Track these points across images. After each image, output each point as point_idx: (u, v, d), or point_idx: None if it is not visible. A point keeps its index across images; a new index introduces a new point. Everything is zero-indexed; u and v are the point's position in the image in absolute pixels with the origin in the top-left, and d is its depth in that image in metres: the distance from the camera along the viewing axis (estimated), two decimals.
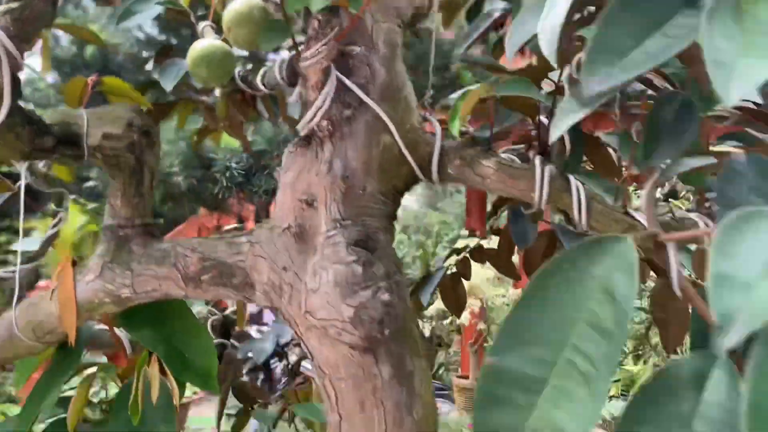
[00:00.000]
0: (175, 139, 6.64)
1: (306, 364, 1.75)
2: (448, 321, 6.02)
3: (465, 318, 5.36)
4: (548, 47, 0.48)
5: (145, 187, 0.82)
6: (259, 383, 1.50)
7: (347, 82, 0.76)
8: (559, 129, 0.50)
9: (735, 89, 0.32)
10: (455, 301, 1.51)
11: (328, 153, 0.79)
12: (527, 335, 0.47)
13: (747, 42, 0.36)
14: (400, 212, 0.85)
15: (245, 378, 1.49)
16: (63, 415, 0.86)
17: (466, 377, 6.64)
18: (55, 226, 0.94)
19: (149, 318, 0.85)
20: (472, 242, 1.52)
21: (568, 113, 0.48)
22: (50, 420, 0.87)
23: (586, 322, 0.46)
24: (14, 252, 0.90)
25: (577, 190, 0.71)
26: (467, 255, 1.51)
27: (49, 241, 0.94)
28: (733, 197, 0.48)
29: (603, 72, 0.39)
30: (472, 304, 5.03)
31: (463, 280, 1.50)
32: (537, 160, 0.74)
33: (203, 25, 1.01)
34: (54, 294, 0.82)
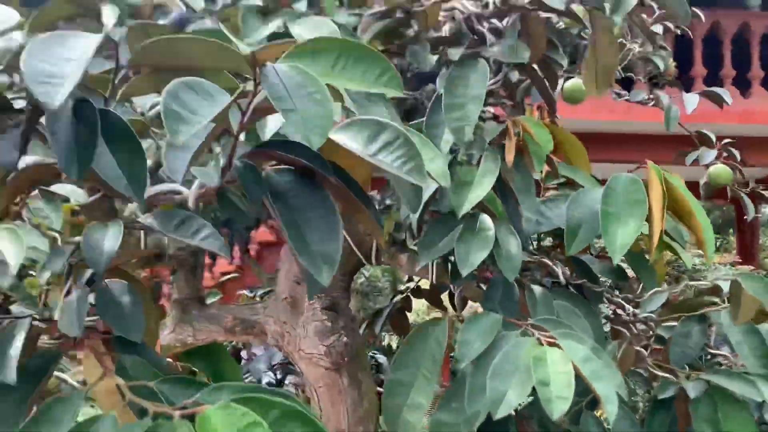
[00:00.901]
0: None
1: (289, 379, 2.33)
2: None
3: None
4: None
5: (198, 274, 1.36)
6: None
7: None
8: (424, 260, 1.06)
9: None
10: (401, 327, 2.08)
11: None
12: (405, 362, 1.03)
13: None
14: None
15: None
16: None
17: None
18: None
19: (201, 353, 1.38)
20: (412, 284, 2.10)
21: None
22: None
23: (429, 355, 1.03)
24: None
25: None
26: (409, 294, 2.08)
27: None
28: None
29: (426, 253, 0.95)
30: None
31: (406, 313, 2.08)
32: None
33: None
34: None
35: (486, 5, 0.96)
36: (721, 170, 1.67)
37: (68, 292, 0.67)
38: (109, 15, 0.79)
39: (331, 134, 0.53)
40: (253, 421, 0.49)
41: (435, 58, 1.19)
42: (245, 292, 2.60)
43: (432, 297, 2.03)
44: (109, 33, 0.71)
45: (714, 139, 1.76)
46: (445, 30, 1.16)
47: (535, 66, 1.09)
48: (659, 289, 1.39)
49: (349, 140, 0.56)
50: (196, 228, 0.61)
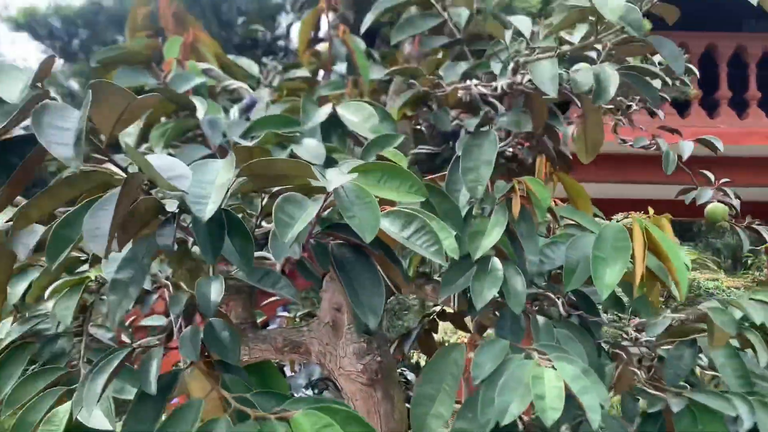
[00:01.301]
0: None
1: (326, 394, 2.57)
2: None
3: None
4: None
5: (253, 301, 1.59)
6: None
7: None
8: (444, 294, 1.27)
9: None
10: (428, 347, 2.29)
11: None
12: (428, 379, 1.25)
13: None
14: None
15: None
16: None
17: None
18: None
19: (253, 369, 1.61)
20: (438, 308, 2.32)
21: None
22: None
23: (450, 373, 1.24)
24: None
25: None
26: (435, 317, 2.30)
27: None
28: None
29: (447, 289, 1.16)
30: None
31: (433, 334, 2.30)
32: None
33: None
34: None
35: (495, 89, 1.18)
36: (717, 208, 1.86)
37: (181, 329, 0.90)
38: (200, 109, 1.03)
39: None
40: (329, 422, 0.71)
41: (454, 120, 1.42)
42: (284, 313, 2.85)
43: (456, 320, 2.25)
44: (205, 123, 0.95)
45: (713, 178, 1.95)
46: (465, 98, 1.39)
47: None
48: (665, 315, 1.58)
49: (390, 225, 0.79)
50: (274, 280, 0.84)
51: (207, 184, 0.74)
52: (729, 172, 2.14)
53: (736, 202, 1.86)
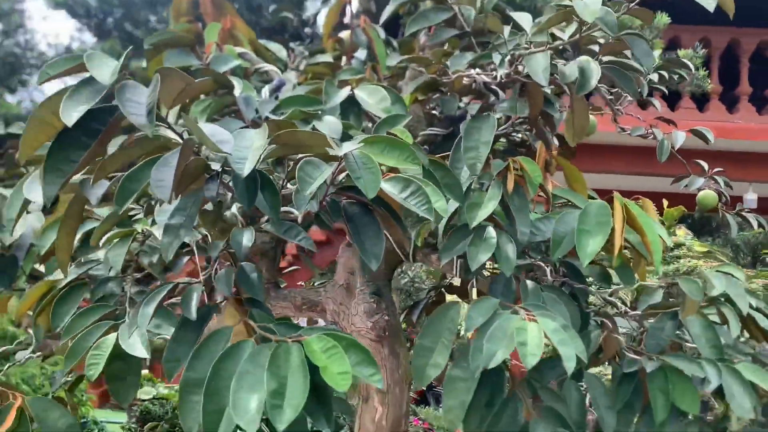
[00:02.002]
0: None
1: None
2: None
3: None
4: None
5: (277, 262, 1.77)
6: None
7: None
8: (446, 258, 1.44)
9: None
10: None
11: None
12: (429, 332, 1.42)
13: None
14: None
15: None
16: None
17: None
18: None
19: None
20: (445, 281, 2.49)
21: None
22: None
23: (447, 328, 1.41)
24: None
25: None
26: (442, 289, 2.47)
27: None
28: None
29: (446, 254, 1.32)
30: None
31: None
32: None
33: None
34: None
35: (495, 77, 1.33)
36: (707, 195, 1.99)
37: (216, 271, 1.08)
38: (237, 88, 1.19)
39: (381, 184, 0.94)
40: (334, 345, 0.88)
41: (460, 104, 1.57)
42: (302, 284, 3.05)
43: (462, 291, 2.41)
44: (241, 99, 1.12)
45: (706, 167, 2.08)
46: (473, 85, 1.54)
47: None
48: (648, 285, 1.73)
49: (391, 187, 0.96)
50: (296, 233, 1.01)
51: (245, 147, 0.91)
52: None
53: (726, 191, 1.99)
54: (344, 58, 1.85)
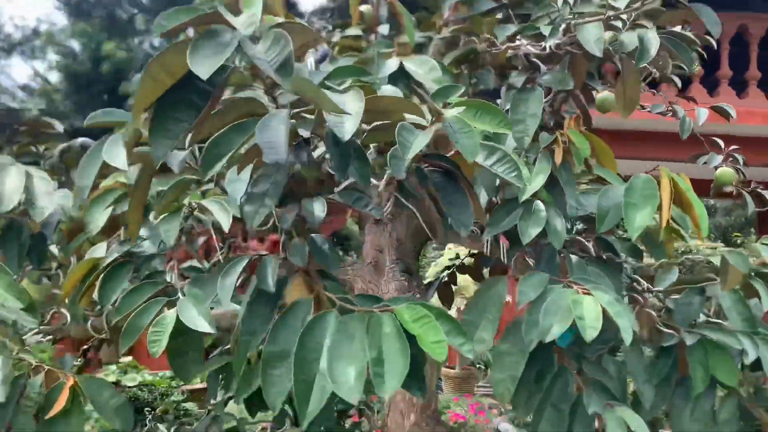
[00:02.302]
0: None
1: None
2: None
3: (453, 314, 6.29)
4: None
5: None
6: None
7: (401, 199, 1.68)
8: (489, 234, 1.42)
9: None
10: (446, 297, 2.45)
11: (389, 227, 1.71)
12: (473, 308, 1.40)
13: None
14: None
15: None
16: None
17: (453, 368, 7.60)
18: None
19: None
20: (458, 261, 2.47)
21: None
22: None
23: (492, 303, 1.40)
24: None
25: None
26: (455, 270, 2.45)
27: None
28: None
29: (494, 228, 1.31)
30: (460, 303, 5.99)
31: (452, 285, 2.45)
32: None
33: None
34: None
35: (544, 48, 1.31)
36: (725, 172, 2.01)
37: (288, 242, 1.05)
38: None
39: None
40: (426, 314, 0.86)
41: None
42: None
43: (475, 272, 2.40)
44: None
45: (722, 144, 2.10)
46: (513, 58, 1.52)
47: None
48: (670, 262, 1.73)
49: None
50: (365, 202, 0.98)
51: (347, 116, 0.88)
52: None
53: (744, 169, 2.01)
54: (369, 32, 1.81)
